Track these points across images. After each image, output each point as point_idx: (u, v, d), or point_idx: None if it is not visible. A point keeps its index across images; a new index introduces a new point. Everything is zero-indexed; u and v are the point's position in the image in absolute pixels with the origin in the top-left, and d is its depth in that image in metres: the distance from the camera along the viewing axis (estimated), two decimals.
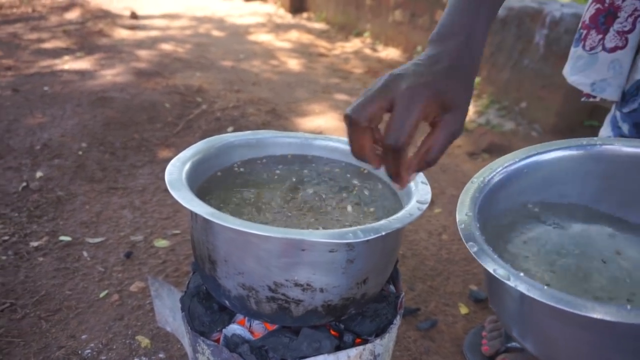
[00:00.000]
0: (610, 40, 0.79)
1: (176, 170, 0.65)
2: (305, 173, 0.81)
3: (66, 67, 2.85)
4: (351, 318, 0.69)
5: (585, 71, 0.84)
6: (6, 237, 1.30)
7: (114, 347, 1.00)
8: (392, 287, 0.79)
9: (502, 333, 1.08)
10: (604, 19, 0.80)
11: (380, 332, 0.69)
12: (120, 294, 1.15)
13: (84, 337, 1.02)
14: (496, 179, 0.60)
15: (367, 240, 0.55)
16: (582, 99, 0.90)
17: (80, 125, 1.99)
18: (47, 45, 3.41)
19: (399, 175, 0.50)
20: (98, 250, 1.30)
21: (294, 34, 4.68)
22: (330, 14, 5.31)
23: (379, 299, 0.72)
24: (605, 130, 0.89)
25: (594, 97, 0.86)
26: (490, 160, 2.12)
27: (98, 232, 1.37)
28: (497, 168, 0.61)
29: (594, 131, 2.21)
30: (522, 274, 0.44)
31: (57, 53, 3.20)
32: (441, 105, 0.49)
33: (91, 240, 1.33)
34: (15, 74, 2.66)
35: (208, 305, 0.70)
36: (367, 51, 4.13)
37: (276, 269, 0.57)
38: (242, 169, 0.79)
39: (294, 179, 0.78)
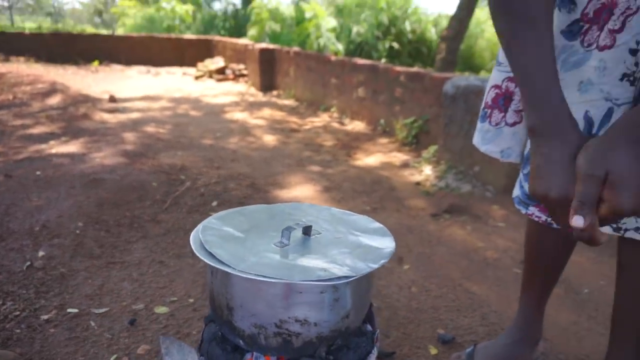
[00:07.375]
0: (510, 117, 1.01)
1: (196, 240, 0.84)
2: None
3: (54, 151, 3.03)
4: (338, 349, 0.86)
5: (494, 141, 1.04)
6: (17, 312, 1.42)
7: None
8: (369, 326, 0.97)
9: None
10: (503, 101, 1.01)
11: None
12: (129, 356, 1.27)
13: None
14: None
15: (347, 283, 0.74)
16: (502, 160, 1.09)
17: (75, 206, 2.15)
18: (33, 130, 3.60)
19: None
20: (104, 319, 1.42)
21: (266, 112, 5.03)
22: (298, 92, 5.74)
23: (360, 334, 0.90)
24: (515, 190, 1.08)
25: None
26: (451, 220, 2.37)
27: (102, 303, 1.50)
28: None
29: None
30: None
31: (43, 138, 3.39)
32: None
33: (97, 311, 1.46)
34: (5, 159, 2.81)
35: (224, 347, 0.86)
36: (335, 125, 4.49)
37: (281, 309, 0.76)
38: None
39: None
